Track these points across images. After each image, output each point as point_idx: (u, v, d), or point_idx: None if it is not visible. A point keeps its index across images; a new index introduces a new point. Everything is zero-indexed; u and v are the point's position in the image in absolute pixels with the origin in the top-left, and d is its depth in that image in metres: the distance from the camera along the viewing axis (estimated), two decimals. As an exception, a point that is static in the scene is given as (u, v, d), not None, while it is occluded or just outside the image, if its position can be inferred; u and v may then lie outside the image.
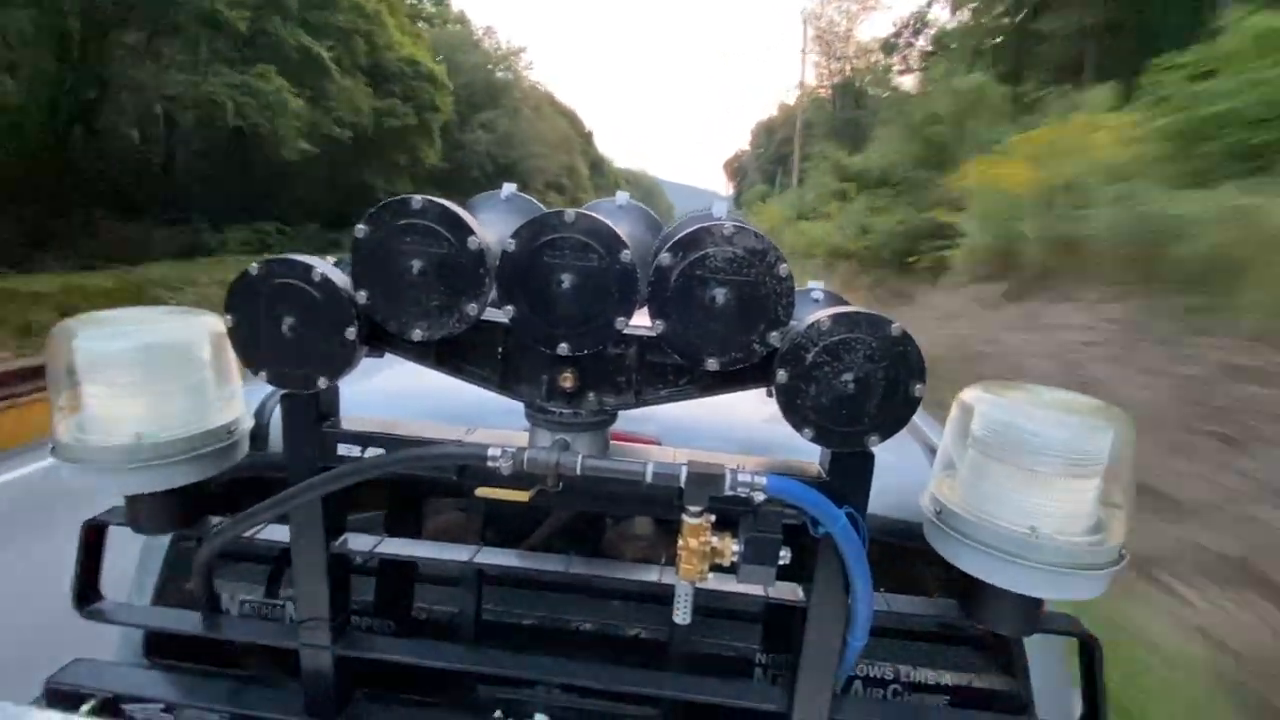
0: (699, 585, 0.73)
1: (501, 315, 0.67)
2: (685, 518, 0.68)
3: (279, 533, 0.82)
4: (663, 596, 0.80)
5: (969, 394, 0.73)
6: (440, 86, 23.53)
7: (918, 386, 0.64)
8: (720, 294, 0.63)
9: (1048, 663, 0.96)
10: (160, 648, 1.04)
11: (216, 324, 0.75)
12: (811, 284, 0.88)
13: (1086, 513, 0.67)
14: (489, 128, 33.15)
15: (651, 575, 0.81)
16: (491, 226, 0.85)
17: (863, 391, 0.64)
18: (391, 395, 1.10)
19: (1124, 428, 0.66)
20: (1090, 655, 0.80)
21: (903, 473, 0.93)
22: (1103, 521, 0.68)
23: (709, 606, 0.88)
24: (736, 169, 75.64)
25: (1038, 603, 0.71)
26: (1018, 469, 0.67)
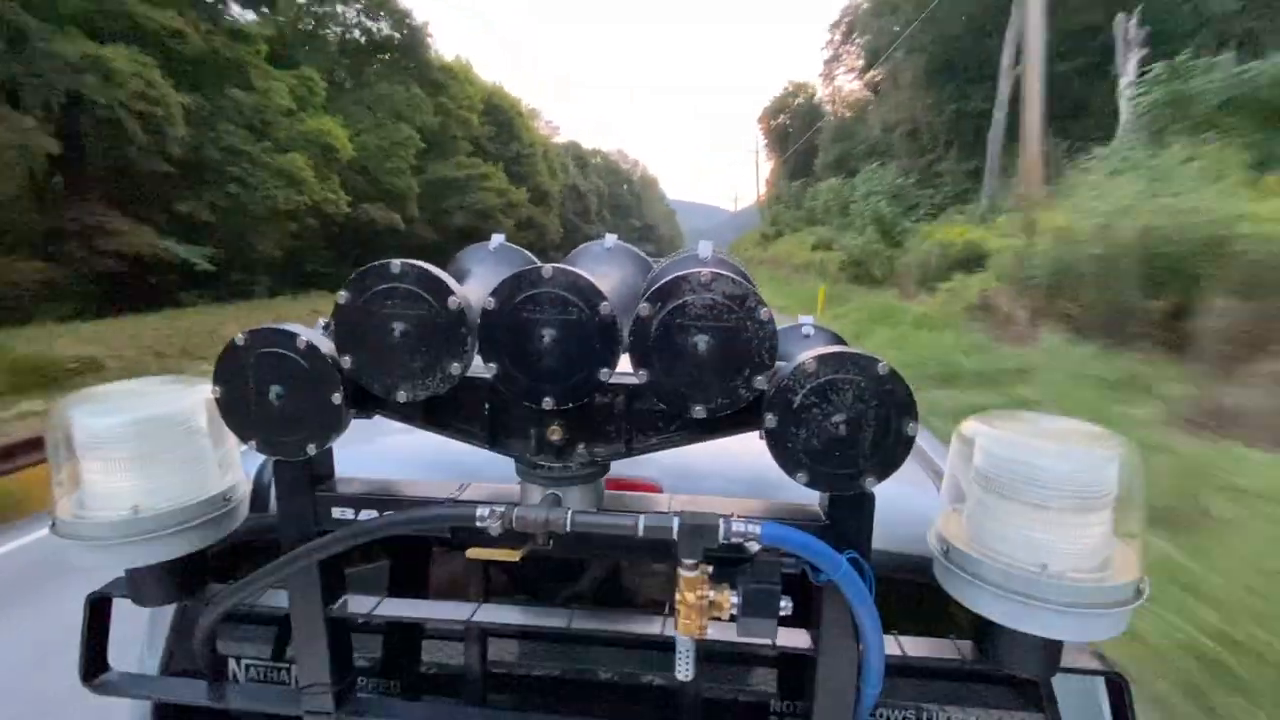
0: (701, 639, 0.70)
1: (486, 372, 0.67)
2: (681, 571, 0.66)
3: (280, 596, 0.82)
4: (672, 644, 0.78)
5: (969, 426, 0.71)
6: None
7: (910, 425, 0.62)
8: (701, 341, 0.62)
9: (1079, 698, 0.91)
10: (170, 714, 1.03)
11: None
12: (802, 318, 0.87)
13: (1099, 547, 0.64)
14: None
15: (654, 628, 0.79)
16: (479, 280, 0.86)
17: (854, 433, 0.62)
18: (392, 451, 1.10)
19: (1130, 455, 0.64)
20: (1119, 694, 0.76)
21: (910, 503, 0.90)
22: (1117, 555, 0.65)
23: (721, 652, 0.86)
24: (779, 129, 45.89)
25: (1057, 642, 0.68)
26: (1024, 505, 0.64)
